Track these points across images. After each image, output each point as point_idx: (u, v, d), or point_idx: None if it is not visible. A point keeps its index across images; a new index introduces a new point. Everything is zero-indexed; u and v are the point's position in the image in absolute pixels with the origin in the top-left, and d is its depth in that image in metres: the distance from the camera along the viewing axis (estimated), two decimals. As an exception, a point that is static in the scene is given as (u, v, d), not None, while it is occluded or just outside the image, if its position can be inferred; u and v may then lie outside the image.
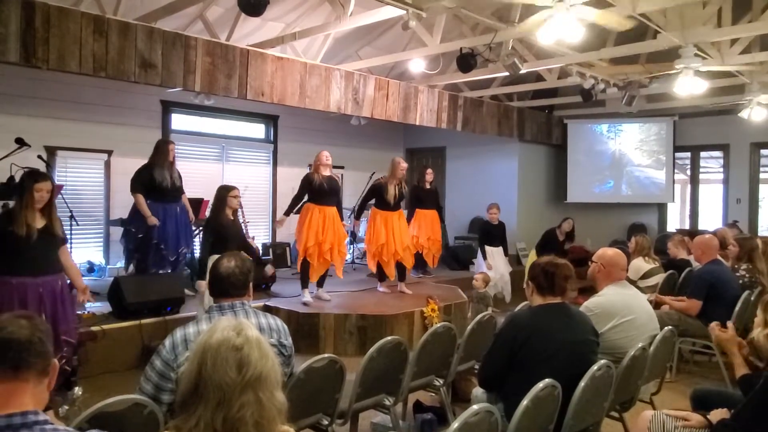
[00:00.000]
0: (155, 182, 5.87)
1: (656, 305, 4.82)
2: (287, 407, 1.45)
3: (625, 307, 3.28)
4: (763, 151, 9.81)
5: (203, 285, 4.95)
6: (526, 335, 2.69)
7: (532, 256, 8.26)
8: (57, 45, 4.96)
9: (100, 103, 7.44)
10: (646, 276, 5.76)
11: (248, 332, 1.45)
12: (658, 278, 5.70)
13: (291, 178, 9.20)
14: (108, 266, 7.52)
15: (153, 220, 5.77)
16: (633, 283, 4.93)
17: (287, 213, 6.12)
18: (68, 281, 4.04)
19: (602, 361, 2.71)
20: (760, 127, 8.71)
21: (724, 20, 6.02)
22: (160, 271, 5.95)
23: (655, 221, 10.65)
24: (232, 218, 4.92)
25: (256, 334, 1.46)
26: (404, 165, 6.71)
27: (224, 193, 4.91)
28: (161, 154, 6.00)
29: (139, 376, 2.33)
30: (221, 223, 4.83)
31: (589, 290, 3.67)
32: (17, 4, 4.74)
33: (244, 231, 7.56)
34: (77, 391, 4.34)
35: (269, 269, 5.23)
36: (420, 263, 8.12)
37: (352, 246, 9.40)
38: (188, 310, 5.42)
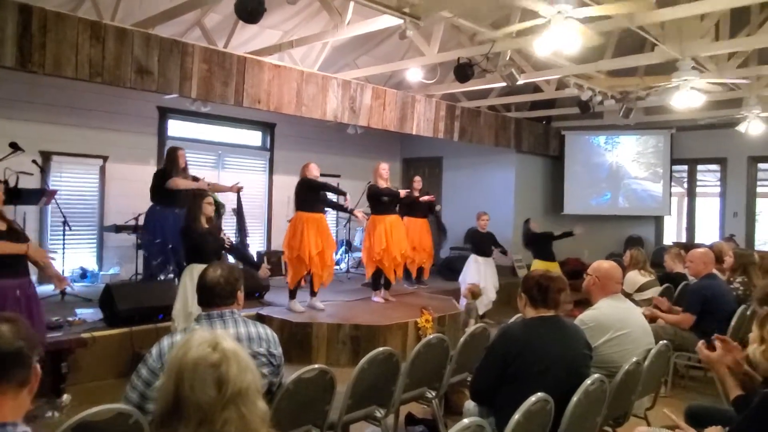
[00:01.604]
0: (168, 187, 5.95)
1: (651, 319, 4.79)
2: (270, 415, 1.42)
3: (619, 320, 3.26)
4: (761, 165, 9.84)
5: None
6: (518, 348, 2.66)
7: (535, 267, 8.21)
8: (53, 50, 4.95)
9: (96, 108, 7.43)
10: (641, 289, 5.75)
11: (224, 345, 1.39)
12: (654, 291, 5.68)
13: (287, 186, 9.15)
14: (101, 272, 7.48)
15: (203, 184, 5.94)
16: (628, 296, 4.91)
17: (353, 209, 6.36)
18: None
19: (595, 376, 2.69)
20: (758, 141, 8.73)
21: (721, 34, 6.05)
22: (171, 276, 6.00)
23: (652, 234, 10.65)
24: (207, 225, 4.83)
25: (232, 345, 1.41)
26: (384, 165, 6.84)
27: (198, 201, 4.76)
28: (171, 161, 6.09)
29: (128, 384, 2.30)
30: (197, 232, 4.68)
31: (584, 303, 3.65)
32: (14, 8, 4.74)
33: (241, 239, 7.53)
34: (66, 398, 4.30)
35: (264, 271, 5.14)
36: (407, 273, 8.07)
37: (347, 255, 9.38)
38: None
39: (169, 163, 6.12)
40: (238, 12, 4.44)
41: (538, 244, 8.21)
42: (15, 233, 3.75)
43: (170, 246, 5.88)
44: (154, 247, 5.93)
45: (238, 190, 6.29)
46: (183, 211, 6.05)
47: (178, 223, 5.96)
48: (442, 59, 6.68)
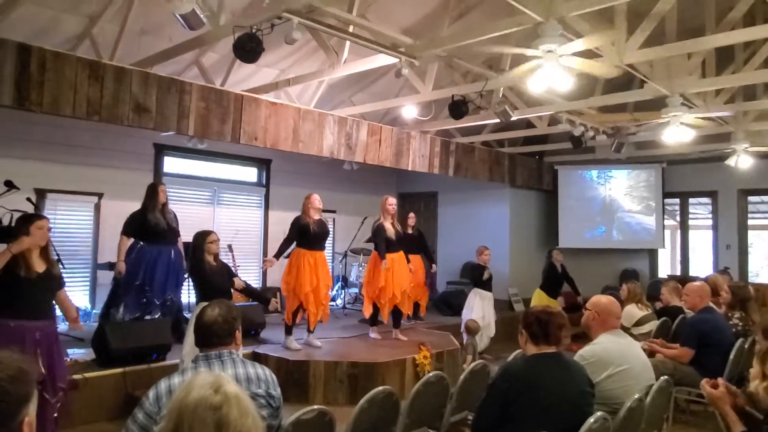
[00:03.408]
0: (149, 225, 5.91)
1: (649, 353, 4.75)
2: None
3: (620, 355, 3.22)
4: (751, 198, 9.94)
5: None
6: (520, 386, 2.62)
7: (537, 298, 8.16)
8: (51, 89, 4.99)
9: (93, 145, 7.44)
10: (639, 323, 5.73)
11: (227, 388, 1.37)
12: (652, 325, 5.66)
13: (283, 222, 9.09)
14: (94, 311, 7.37)
15: (121, 267, 5.79)
16: (626, 330, 4.88)
17: (277, 256, 5.96)
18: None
19: (598, 413, 2.64)
20: (747, 174, 8.84)
21: (708, 71, 6.18)
22: (147, 316, 5.85)
23: (647, 267, 10.67)
24: (215, 263, 4.79)
25: (235, 389, 1.39)
26: (391, 200, 6.70)
27: (201, 240, 4.72)
28: (152, 197, 6.04)
29: (121, 428, 2.23)
30: (205, 272, 4.64)
31: (582, 337, 3.62)
32: (13, 48, 4.79)
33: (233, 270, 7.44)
34: (56, 442, 4.18)
35: (273, 305, 5.08)
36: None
37: (343, 291, 9.31)
38: (175, 358, 5.28)
39: (148, 198, 6.05)
40: (237, 52, 4.50)
41: (550, 279, 8.23)
42: (50, 278, 3.75)
43: (137, 283, 5.79)
44: (132, 286, 5.80)
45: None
46: (168, 247, 5.99)
47: (162, 261, 5.88)
48: (437, 96, 6.77)
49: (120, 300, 5.89)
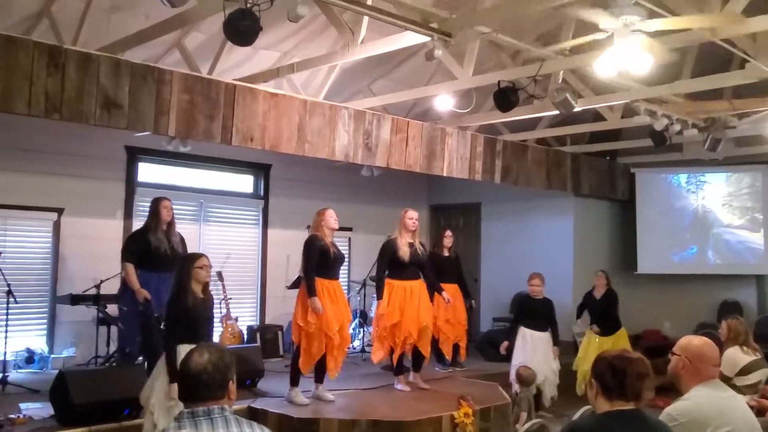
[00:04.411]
0: (150, 248, 6.15)
1: (759, 411, 4.68)
2: None
3: (719, 414, 3.18)
4: None
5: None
6: (589, 453, 2.61)
7: (587, 344, 8.10)
8: (2, 81, 5.11)
9: (51, 150, 7.59)
10: (743, 372, 5.63)
11: None
12: (761, 374, 5.57)
13: (285, 243, 9.22)
14: (52, 356, 7.49)
15: (142, 293, 5.97)
16: (727, 380, 4.80)
17: (311, 293, 5.91)
18: None
19: (692, 489, 2.62)
20: None
21: (829, 46, 6.10)
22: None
23: (754, 298, 10.47)
24: (202, 296, 4.81)
25: None
26: (412, 213, 6.74)
27: (188, 264, 4.76)
28: (153, 214, 6.34)
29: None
30: (187, 305, 4.65)
31: (669, 389, 3.58)
32: (-44, 33, 4.94)
33: (226, 311, 7.53)
34: None
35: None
36: (439, 354, 7.93)
37: (362, 330, 9.33)
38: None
39: (150, 217, 6.35)
40: (228, 33, 4.58)
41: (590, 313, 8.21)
42: None
43: (156, 315, 5.95)
44: (135, 320, 6.02)
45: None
46: (169, 274, 6.11)
47: (163, 290, 5.99)
48: (479, 83, 6.80)
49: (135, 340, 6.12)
